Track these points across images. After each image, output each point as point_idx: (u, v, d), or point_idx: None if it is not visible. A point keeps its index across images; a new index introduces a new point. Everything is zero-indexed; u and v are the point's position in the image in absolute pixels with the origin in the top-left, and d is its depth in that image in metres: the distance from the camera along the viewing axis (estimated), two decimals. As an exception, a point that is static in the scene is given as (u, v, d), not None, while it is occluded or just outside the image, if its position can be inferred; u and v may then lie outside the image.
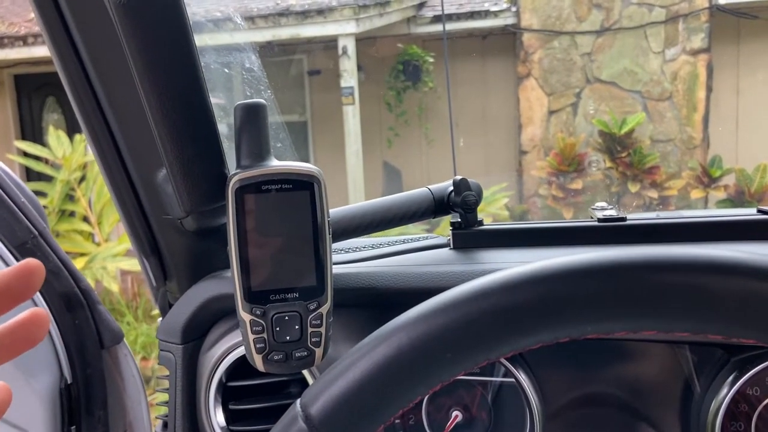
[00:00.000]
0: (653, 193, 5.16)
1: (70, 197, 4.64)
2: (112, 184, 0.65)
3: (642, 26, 5.55)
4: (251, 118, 0.53)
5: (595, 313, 0.35)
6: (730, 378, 0.58)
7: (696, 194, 5.06)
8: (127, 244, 4.37)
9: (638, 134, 5.44)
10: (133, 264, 4.19)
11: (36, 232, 0.76)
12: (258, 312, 0.52)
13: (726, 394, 0.58)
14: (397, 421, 0.65)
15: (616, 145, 5.33)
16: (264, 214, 0.52)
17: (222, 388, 0.65)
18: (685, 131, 5.55)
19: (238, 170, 0.52)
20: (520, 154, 5.86)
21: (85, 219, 4.63)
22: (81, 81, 0.59)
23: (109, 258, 4.33)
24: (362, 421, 0.37)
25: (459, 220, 0.69)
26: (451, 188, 0.69)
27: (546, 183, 5.42)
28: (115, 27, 0.50)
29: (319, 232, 0.53)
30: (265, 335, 0.52)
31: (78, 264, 4.11)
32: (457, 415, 0.64)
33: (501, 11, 5.77)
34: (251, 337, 0.52)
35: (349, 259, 0.68)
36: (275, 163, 0.53)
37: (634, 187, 5.21)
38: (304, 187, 0.52)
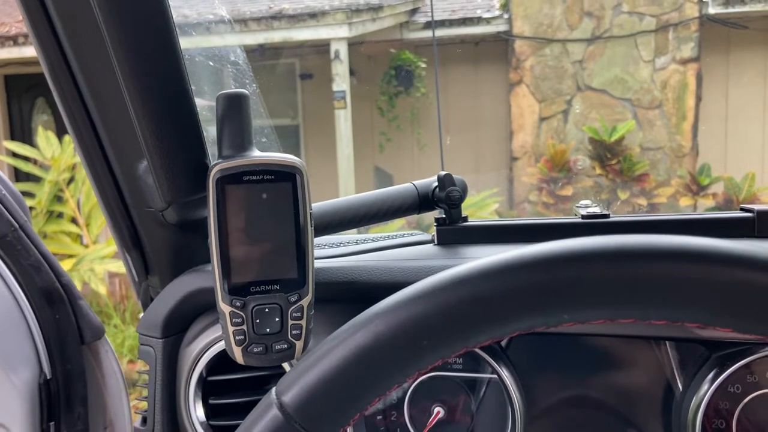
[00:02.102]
0: (642, 201, 5.19)
1: (58, 198, 4.61)
2: (94, 177, 0.65)
3: (632, 35, 5.59)
4: (233, 108, 0.53)
5: (572, 301, 0.35)
6: (711, 375, 0.58)
7: (685, 202, 5.09)
8: (115, 246, 4.34)
9: (628, 142, 5.47)
10: (121, 266, 4.16)
11: (17, 225, 0.75)
12: (238, 304, 0.52)
13: (707, 391, 0.58)
14: (378, 417, 0.65)
15: (606, 153, 5.36)
16: (245, 204, 0.52)
17: (202, 382, 0.64)
18: (674, 139, 5.59)
19: (219, 160, 0.52)
20: (511, 160, 5.88)
21: (74, 220, 4.60)
22: (63, 72, 0.58)
23: (96, 260, 4.30)
24: (338, 408, 0.36)
25: (443, 216, 0.68)
26: (436, 184, 0.68)
27: (536, 189, 5.44)
28: (96, 16, 0.50)
29: (301, 224, 0.52)
30: (244, 327, 0.52)
31: (65, 266, 4.08)
32: (439, 412, 0.63)
33: (493, 18, 5.80)
34: (231, 329, 0.52)
35: (332, 254, 0.67)
36: (257, 154, 0.53)
37: (623, 195, 5.24)
38: (287, 178, 0.52)
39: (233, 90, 0.53)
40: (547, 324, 0.36)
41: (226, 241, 0.51)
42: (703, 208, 4.98)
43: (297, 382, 0.37)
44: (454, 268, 0.37)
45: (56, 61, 0.57)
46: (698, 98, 5.55)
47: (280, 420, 0.36)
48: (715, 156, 5.48)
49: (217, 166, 0.51)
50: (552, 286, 0.35)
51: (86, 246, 4.56)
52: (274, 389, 0.38)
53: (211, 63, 0.68)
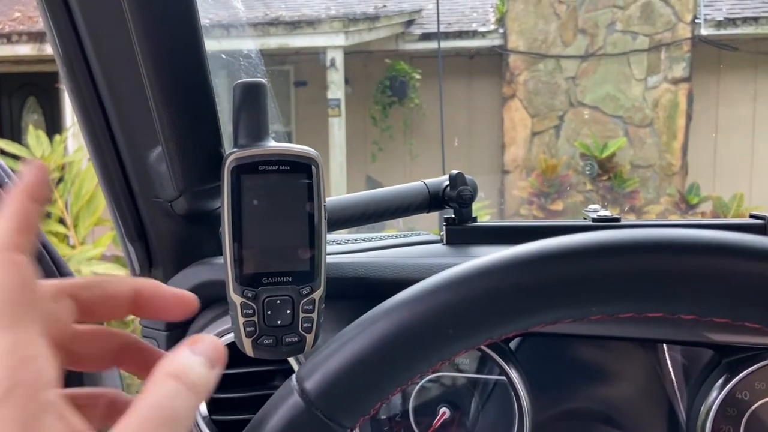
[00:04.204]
0: (632, 218, 5.23)
1: (46, 198, 4.56)
2: (101, 166, 0.64)
3: (625, 53, 5.65)
4: (251, 97, 0.52)
5: (601, 294, 0.35)
6: (721, 380, 0.58)
7: (673, 220, 5.13)
8: (102, 248, 4.30)
9: (619, 159, 5.52)
10: (108, 268, 4.12)
11: (19, 214, 0.74)
12: (249, 295, 0.51)
13: (716, 397, 0.57)
14: (382, 416, 0.64)
15: (597, 169, 5.40)
16: (260, 195, 0.51)
17: (206, 377, 0.63)
18: (664, 158, 5.64)
19: (235, 149, 0.51)
20: (503, 174, 5.90)
21: (61, 221, 4.56)
22: (77, 56, 0.57)
23: (83, 261, 4.25)
24: (360, 396, 0.36)
25: (453, 215, 0.68)
26: (447, 183, 0.68)
27: (527, 203, 5.46)
28: None
29: (316, 217, 0.52)
30: (255, 319, 0.51)
31: (52, 266, 4.02)
32: (444, 412, 0.63)
33: (488, 32, 5.85)
34: (241, 320, 0.51)
35: (341, 251, 0.67)
36: (273, 144, 0.52)
37: (613, 211, 5.27)
38: (302, 169, 0.52)
39: (251, 79, 0.52)
40: (573, 316, 0.35)
41: (239, 231, 0.51)
42: (692, 227, 5.01)
43: (319, 368, 0.36)
44: (481, 258, 0.36)
45: (70, 44, 0.56)
46: (689, 117, 5.61)
47: (300, 406, 0.36)
48: (704, 175, 5.54)
49: (232, 155, 0.50)
50: (582, 277, 0.34)
51: (73, 247, 4.51)
52: (294, 376, 0.37)
53: (223, 56, 0.67)
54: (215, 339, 0.33)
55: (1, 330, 0.27)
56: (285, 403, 0.36)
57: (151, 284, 0.37)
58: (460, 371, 0.62)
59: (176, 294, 0.37)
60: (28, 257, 0.30)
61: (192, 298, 0.37)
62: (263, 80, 0.52)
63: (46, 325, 0.29)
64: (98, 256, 4.22)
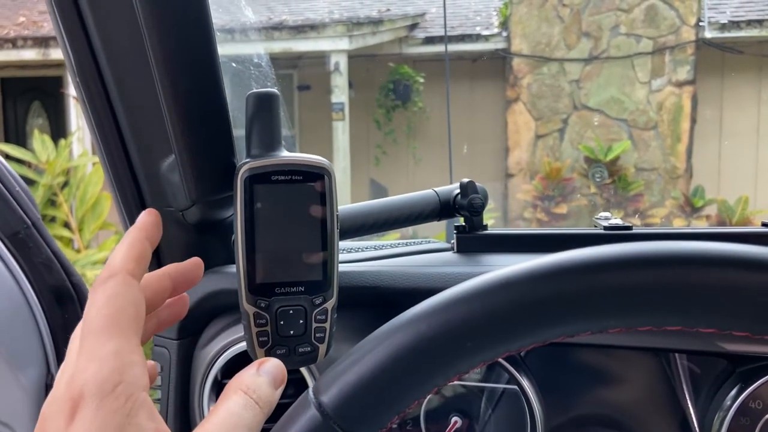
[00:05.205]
0: (636, 221, 5.22)
1: (51, 202, 4.57)
2: (114, 177, 0.64)
3: (629, 56, 5.65)
4: (263, 107, 0.52)
5: (621, 307, 0.34)
6: (734, 391, 0.57)
7: (678, 223, 5.12)
8: (107, 251, 4.31)
9: (623, 162, 5.51)
10: (113, 272, 4.11)
11: (29, 222, 0.74)
12: (262, 304, 0.51)
13: (730, 407, 0.57)
14: (394, 426, 0.64)
15: (607, 176, 5.39)
16: (272, 205, 0.51)
17: (217, 386, 0.63)
18: (668, 161, 5.63)
19: (248, 159, 0.51)
20: (506, 177, 5.90)
21: (66, 225, 4.57)
22: (90, 66, 0.57)
23: (88, 265, 4.26)
24: (377, 409, 0.36)
25: (463, 223, 0.68)
26: (458, 191, 0.68)
27: (531, 206, 5.46)
28: (135, 7, 0.49)
29: (328, 226, 0.52)
30: (268, 329, 0.51)
31: (57, 270, 4.03)
32: (456, 422, 0.62)
33: (492, 35, 5.85)
34: (254, 330, 0.51)
35: (352, 259, 0.67)
36: (286, 154, 0.52)
37: (617, 214, 5.26)
38: (315, 179, 0.52)
39: (264, 89, 0.52)
40: (592, 329, 0.35)
41: (252, 241, 0.51)
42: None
43: (336, 381, 0.36)
44: (500, 270, 0.36)
45: (83, 52, 0.56)
46: (693, 120, 5.60)
47: (317, 420, 0.35)
48: (709, 178, 5.53)
49: (245, 165, 0.50)
50: (602, 290, 0.34)
51: (78, 251, 4.52)
52: (310, 389, 0.37)
53: (234, 64, 0.67)
54: (278, 362, 0.39)
55: (114, 336, 0.33)
56: (302, 416, 0.36)
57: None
58: (471, 380, 0.62)
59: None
60: (138, 282, 0.37)
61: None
62: (275, 90, 0.52)
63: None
64: (103, 260, 4.23)
